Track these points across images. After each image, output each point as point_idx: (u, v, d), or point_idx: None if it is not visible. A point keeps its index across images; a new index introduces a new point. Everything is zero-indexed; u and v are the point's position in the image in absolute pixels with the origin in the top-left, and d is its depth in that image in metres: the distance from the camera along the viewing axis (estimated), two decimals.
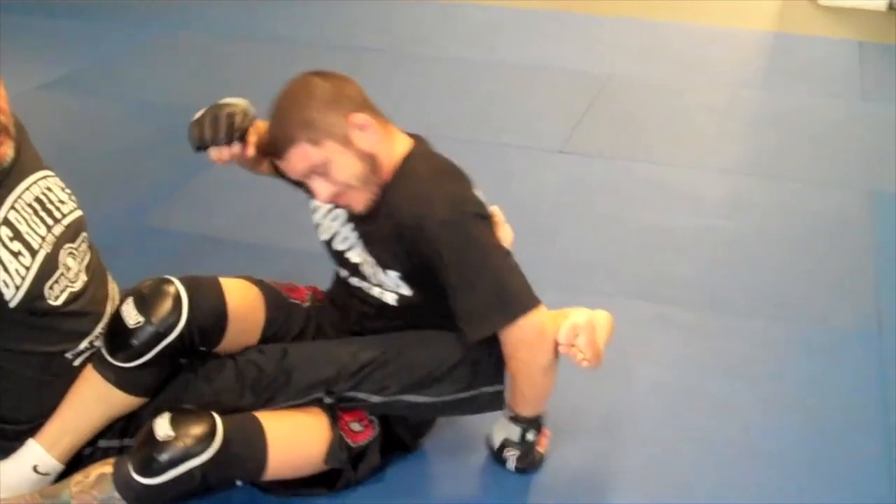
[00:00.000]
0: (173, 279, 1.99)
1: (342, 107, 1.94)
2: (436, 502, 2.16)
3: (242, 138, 2.04)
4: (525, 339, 1.98)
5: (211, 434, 1.88)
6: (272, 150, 1.98)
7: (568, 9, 5.87)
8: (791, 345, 2.76)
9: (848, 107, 4.52)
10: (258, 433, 1.95)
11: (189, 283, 1.99)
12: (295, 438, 2.01)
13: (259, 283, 2.18)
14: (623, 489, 2.20)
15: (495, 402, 2.10)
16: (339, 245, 2.13)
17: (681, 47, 5.27)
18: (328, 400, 2.03)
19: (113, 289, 2.13)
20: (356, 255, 2.10)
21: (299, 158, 1.92)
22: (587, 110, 4.34)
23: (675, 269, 3.11)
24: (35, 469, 1.96)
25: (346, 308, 2.19)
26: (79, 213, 2.07)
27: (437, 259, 1.94)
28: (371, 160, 1.96)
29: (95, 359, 1.98)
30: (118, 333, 1.95)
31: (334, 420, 2.05)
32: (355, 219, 2.08)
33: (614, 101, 4.47)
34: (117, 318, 1.96)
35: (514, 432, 2.15)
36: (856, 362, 2.67)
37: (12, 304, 1.87)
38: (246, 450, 1.94)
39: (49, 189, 2.02)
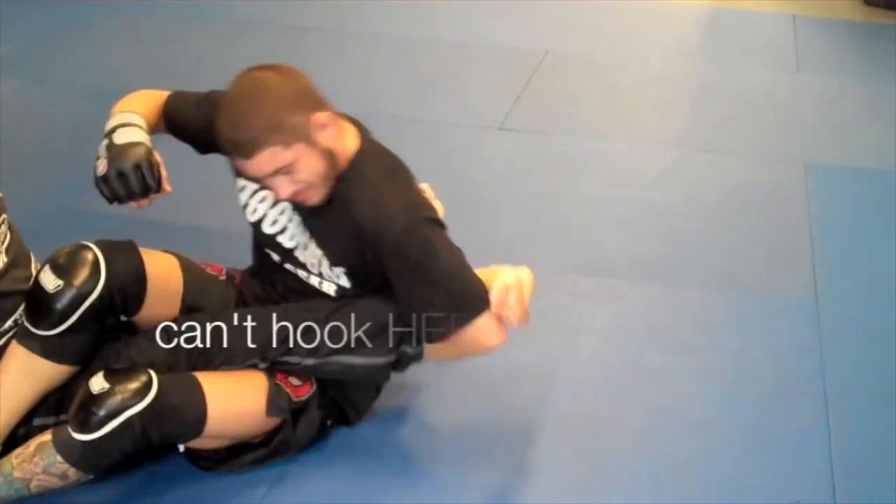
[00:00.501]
0: (90, 244, 1.98)
1: (305, 106, 1.92)
2: (373, 472, 2.16)
3: (157, 183, 1.97)
4: (477, 334, 2.02)
5: (147, 384, 1.88)
6: (231, 151, 1.93)
7: None
8: (729, 315, 2.79)
9: (783, 79, 4.57)
10: (194, 384, 1.95)
11: (106, 246, 1.99)
12: (232, 391, 2.01)
13: (175, 254, 2.18)
14: (562, 459, 2.22)
15: (418, 360, 2.12)
16: (269, 228, 2.12)
17: (617, 22, 5.29)
18: (262, 365, 2.04)
19: (36, 269, 2.09)
20: (288, 240, 2.09)
21: (267, 160, 1.89)
22: (525, 87, 4.33)
23: (614, 242, 3.12)
24: None
25: (272, 283, 2.18)
26: None
27: (396, 265, 1.97)
28: (331, 157, 1.96)
29: (19, 333, 1.97)
30: (39, 301, 1.94)
31: (271, 375, 2.06)
32: (303, 211, 2.06)
33: (552, 77, 4.48)
34: (36, 286, 1.95)
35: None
36: (793, 332, 2.71)
37: None
38: (183, 399, 1.93)
39: None
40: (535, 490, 2.14)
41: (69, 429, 1.85)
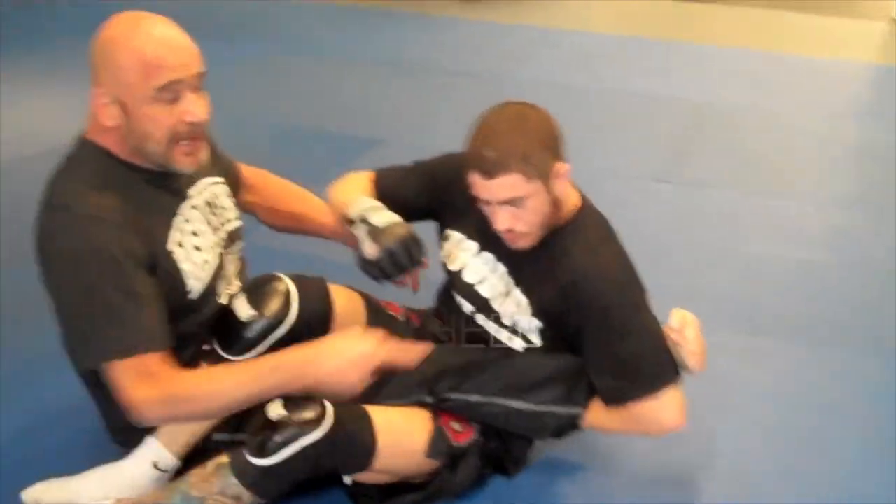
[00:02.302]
0: (284, 276, 2.08)
1: (553, 150, 2.00)
2: None
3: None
4: (659, 410, 2.05)
5: (322, 415, 1.95)
6: (476, 166, 1.96)
7: (671, 37, 5.88)
8: (889, 382, 2.72)
9: None
10: (366, 417, 2.02)
11: (298, 281, 2.09)
12: (400, 426, 2.07)
13: (359, 291, 2.27)
14: None
15: (578, 421, 2.15)
16: (469, 277, 2.18)
17: (784, 77, 5.24)
18: (429, 399, 2.10)
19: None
20: (488, 290, 2.15)
21: (508, 187, 1.95)
22: (685, 139, 4.33)
23: (774, 301, 3.09)
24: (155, 465, 2.04)
25: (456, 332, 2.23)
26: (239, 223, 2.18)
27: (599, 328, 2.02)
28: (556, 206, 2.03)
29: (208, 357, 2.06)
30: (231, 328, 2.04)
31: (436, 416, 2.11)
32: (509, 261, 2.12)
33: (716, 131, 4.46)
34: (229, 313, 2.05)
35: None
36: None
37: (192, 296, 1.97)
38: (356, 431, 2.00)
39: (217, 195, 2.12)
40: None
41: (246, 453, 1.94)
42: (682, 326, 2.04)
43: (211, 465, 1.97)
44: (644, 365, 2.04)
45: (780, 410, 2.58)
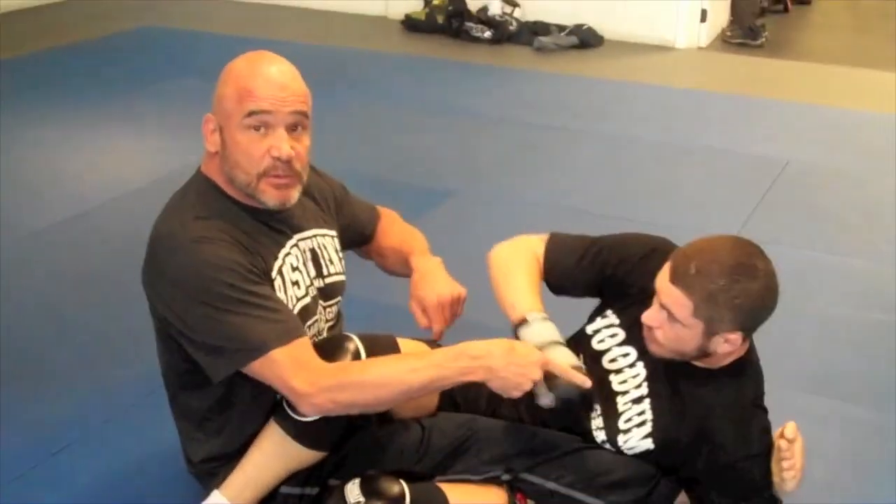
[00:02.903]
0: (352, 336, 2.04)
1: (741, 322, 1.94)
2: None
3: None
4: None
5: (400, 500, 1.94)
6: (674, 265, 1.93)
7: (747, 93, 5.83)
8: None
9: None
10: (442, 501, 2.00)
11: (367, 340, 2.03)
12: None
13: (434, 345, 2.20)
14: None
15: None
16: (607, 364, 2.13)
17: (862, 134, 5.15)
18: (505, 477, 2.05)
19: None
20: (619, 383, 2.11)
21: (678, 304, 1.91)
22: (764, 196, 4.28)
23: (853, 365, 3.03)
24: None
25: (543, 419, 2.15)
26: (342, 277, 2.21)
27: (722, 474, 2.02)
28: (705, 355, 2.00)
29: (277, 412, 2.03)
30: None
31: (511, 494, 2.07)
32: (652, 369, 2.09)
33: (792, 188, 4.40)
34: None
35: None
36: None
37: None
38: None
39: (324, 247, 2.16)
40: None
41: None
42: (794, 437, 1.98)
43: None
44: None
45: (859, 477, 2.52)
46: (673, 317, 1.92)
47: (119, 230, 3.71)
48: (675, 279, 1.90)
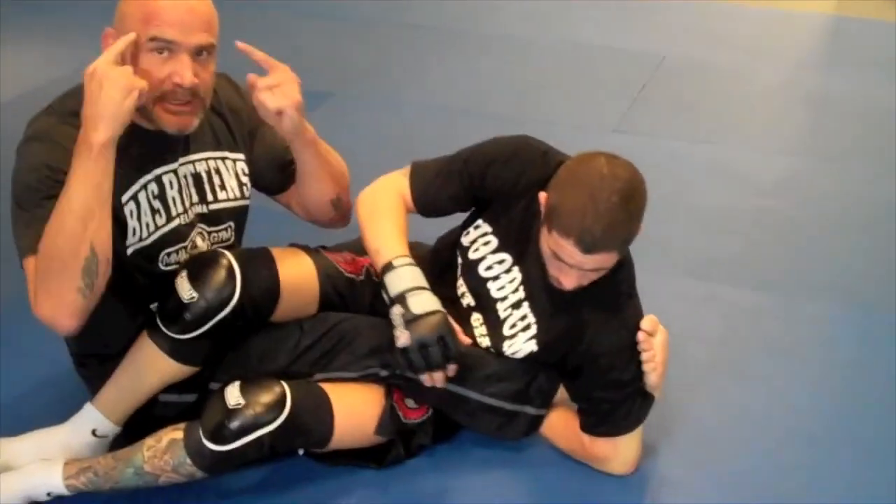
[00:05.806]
0: (226, 253, 1.97)
1: (639, 224, 1.93)
2: (481, 484, 2.15)
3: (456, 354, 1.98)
4: (617, 449, 2.10)
5: (281, 403, 1.91)
6: (573, 234, 1.85)
7: None
8: (840, 328, 2.73)
9: None
10: (325, 403, 1.99)
11: (241, 258, 1.97)
12: (356, 409, 2.04)
13: (314, 255, 2.15)
14: (670, 464, 2.20)
15: (532, 426, 2.14)
16: (483, 272, 2.12)
17: (739, 29, 5.22)
18: (384, 373, 2.04)
19: None
20: (496, 290, 2.10)
21: (597, 261, 1.88)
22: (641, 91, 4.31)
23: (727, 250, 3.09)
24: (93, 433, 2.00)
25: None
26: (238, 203, 2.11)
27: (604, 373, 2.04)
28: (619, 265, 1.99)
29: (151, 326, 1.97)
30: (172, 306, 1.93)
31: (389, 393, 2.07)
32: (527, 273, 2.07)
33: (669, 83, 4.44)
34: (171, 290, 1.94)
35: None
36: None
37: (127, 252, 1.93)
38: (313, 419, 1.97)
39: (217, 171, 2.06)
40: (630, 492, 2.13)
41: (202, 436, 1.89)
42: (652, 328, 2.01)
43: (165, 439, 1.94)
44: (629, 413, 2.06)
45: (733, 355, 2.59)
46: (599, 271, 1.93)
47: None
48: (590, 248, 1.85)
